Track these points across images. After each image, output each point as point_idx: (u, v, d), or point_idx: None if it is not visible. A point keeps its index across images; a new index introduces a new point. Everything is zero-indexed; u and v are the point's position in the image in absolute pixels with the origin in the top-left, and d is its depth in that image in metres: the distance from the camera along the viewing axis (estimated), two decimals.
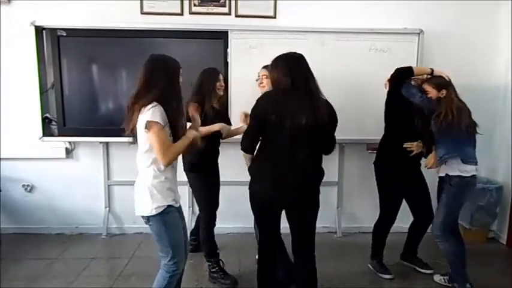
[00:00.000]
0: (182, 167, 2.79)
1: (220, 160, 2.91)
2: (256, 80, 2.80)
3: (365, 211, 3.66)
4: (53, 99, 3.38)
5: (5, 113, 3.43)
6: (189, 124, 2.12)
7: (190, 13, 3.41)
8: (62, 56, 3.30)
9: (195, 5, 3.40)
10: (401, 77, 2.72)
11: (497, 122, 3.57)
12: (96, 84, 3.41)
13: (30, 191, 3.61)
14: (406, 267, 3.02)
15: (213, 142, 2.71)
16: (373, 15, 3.44)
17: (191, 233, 3.28)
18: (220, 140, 2.80)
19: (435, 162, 2.64)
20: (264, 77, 2.68)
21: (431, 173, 2.78)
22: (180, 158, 2.14)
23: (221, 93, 2.78)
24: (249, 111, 2.14)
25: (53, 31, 3.26)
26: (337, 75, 3.35)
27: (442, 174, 2.64)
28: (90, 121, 3.38)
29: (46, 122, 3.38)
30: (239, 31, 3.29)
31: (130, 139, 1.99)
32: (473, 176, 2.57)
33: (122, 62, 3.37)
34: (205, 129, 2.50)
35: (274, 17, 3.44)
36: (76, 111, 3.38)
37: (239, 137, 2.24)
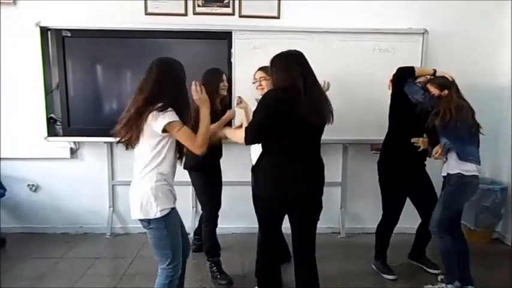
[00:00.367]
0: (183, 167, 2.81)
1: (224, 161, 2.92)
2: (253, 83, 2.77)
3: (369, 211, 3.65)
4: (58, 99, 3.40)
5: (10, 113, 3.45)
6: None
7: (194, 13, 3.42)
8: (67, 56, 3.31)
9: (199, 6, 3.41)
10: (403, 76, 2.73)
11: (502, 122, 3.55)
12: (100, 85, 3.42)
13: (35, 191, 3.63)
14: (410, 267, 3.01)
15: (215, 142, 2.72)
16: (377, 15, 3.43)
17: (195, 232, 3.30)
18: (222, 141, 2.80)
19: (442, 152, 2.61)
20: (262, 79, 2.66)
21: (437, 174, 2.76)
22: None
23: (224, 93, 2.79)
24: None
25: (57, 32, 3.28)
26: (341, 76, 3.33)
27: (444, 174, 2.64)
28: (95, 121, 3.39)
29: (51, 122, 3.40)
30: (243, 31, 3.30)
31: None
32: (474, 176, 2.54)
33: (126, 63, 3.38)
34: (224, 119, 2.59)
35: (278, 17, 3.44)
36: (80, 111, 3.40)
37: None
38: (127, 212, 3.72)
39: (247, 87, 2.91)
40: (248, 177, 2.38)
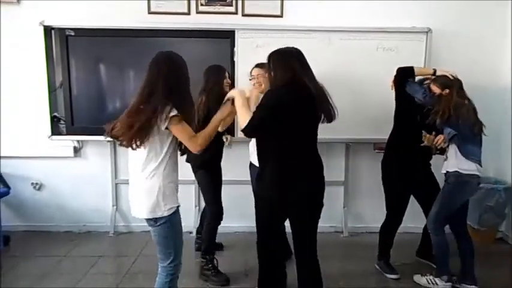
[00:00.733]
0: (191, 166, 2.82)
1: (225, 159, 2.93)
2: (250, 80, 2.76)
3: (371, 211, 3.65)
4: (62, 98, 3.41)
5: (14, 112, 3.47)
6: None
7: (197, 12, 3.42)
8: (70, 55, 3.33)
9: (202, 5, 3.41)
10: (403, 76, 2.75)
11: (505, 121, 3.53)
12: (104, 84, 3.43)
13: (39, 189, 3.65)
14: (413, 267, 3.00)
15: (218, 141, 2.73)
16: (381, 14, 3.42)
17: (197, 231, 3.30)
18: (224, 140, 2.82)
19: (445, 138, 2.58)
20: (260, 76, 2.65)
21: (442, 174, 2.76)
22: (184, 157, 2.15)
23: (227, 90, 2.79)
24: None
25: (61, 31, 3.29)
26: (344, 74, 3.34)
27: (444, 171, 2.65)
28: (98, 120, 3.34)
29: (54, 121, 3.41)
30: (246, 30, 3.30)
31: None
32: (473, 176, 2.53)
33: (130, 62, 3.39)
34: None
35: (281, 16, 3.43)
36: (84, 110, 3.41)
37: (243, 136, 2.12)
38: (130, 211, 3.75)
39: (250, 86, 2.91)
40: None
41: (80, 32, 3.28)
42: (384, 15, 3.42)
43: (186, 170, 2.89)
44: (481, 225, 3.40)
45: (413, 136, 2.70)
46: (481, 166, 2.57)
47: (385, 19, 3.40)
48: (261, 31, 3.29)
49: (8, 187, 3.36)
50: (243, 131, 2.01)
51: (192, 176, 2.87)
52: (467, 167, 2.53)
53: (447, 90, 2.54)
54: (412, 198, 2.92)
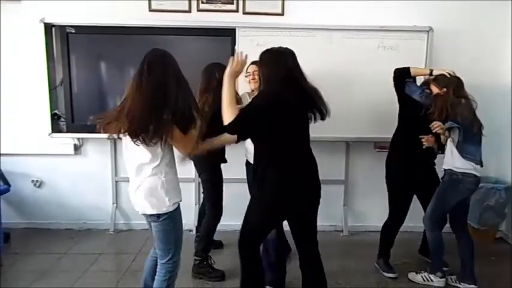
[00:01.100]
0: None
1: (228, 159, 2.94)
2: (246, 76, 2.76)
3: (372, 209, 3.65)
4: (62, 95, 3.41)
5: (14, 110, 3.47)
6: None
7: (198, 10, 3.41)
8: (71, 52, 3.32)
9: (202, 2, 3.40)
10: (400, 77, 2.77)
11: (506, 121, 3.52)
12: (104, 81, 3.43)
13: (39, 187, 3.66)
14: (411, 266, 2.99)
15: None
16: (382, 13, 3.41)
17: (197, 229, 3.30)
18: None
19: (444, 127, 2.55)
20: (256, 72, 2.65)
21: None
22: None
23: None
24: None
25: (62, 28, 3.29)
26: (345, 73, 3.33)
27: (442, 169, 2.66)
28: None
29: (55, 118, 3.41)
30: (247, 28, 3.29)
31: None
32: (467, 174, 2.53)
33: (130, 59, 3.36)
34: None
35: (282, 14, 3.42)
36: (84, 107, 3.40)
37: None
38: (130, 208, 3.74)
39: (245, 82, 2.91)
40: None
41: (81, 30, 3.28)
42: (385, 14, 3.41)
43: (186, 168, 2.89)
44: (481, 224, 3.40)
45: (416, 136, 2.69)
46: (481, 165, 2.56)
47: (386, 18, 3.39)
48: (261, 29, 3.29)
49: (8, 184, 3.36)
50: (228, 126, 1.93)
51: (192, 174, 2.87)
52: (461, 165, 2.53)
53: (445, 89, 2.54)
54: (413, 197, 2.91)
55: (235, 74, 2.01)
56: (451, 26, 3.44)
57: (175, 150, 1.96)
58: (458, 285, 2.71)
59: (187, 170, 2.85)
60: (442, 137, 2.64)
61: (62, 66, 3.35)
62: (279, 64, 2.01)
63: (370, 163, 3.59)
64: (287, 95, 1.96)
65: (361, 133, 3.43)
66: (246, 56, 2.04)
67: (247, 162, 2.79)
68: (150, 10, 3.39)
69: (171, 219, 1.91)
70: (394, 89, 2.84)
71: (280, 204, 2.02)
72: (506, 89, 3.51)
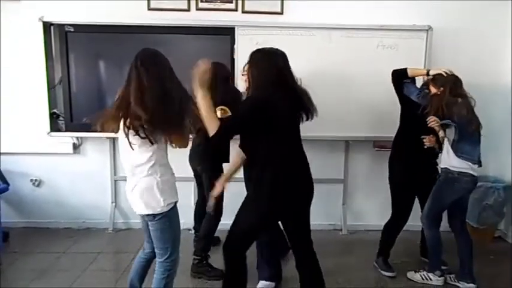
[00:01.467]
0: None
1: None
2: (243, 75, 2.75)
3: (371, 209, 3.65)
4: (61, 94, 3.40)
5: (13, 109, 3.46)
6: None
7: (197, 9, 3.41)
8: (70, 51, 3.32)
9: (201, 1, 3.40)
10: (398, 78, 2.78)
11: (505, 120, 3.53)
12: (103, 80, 3.43)
13: (38, 186, 3.65)
14: (410, 265, 3.00)
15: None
16: (381, 12, 3.41)
17: (195, 229, 3.29)
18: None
19: (439, 123, 2.55)
20: None
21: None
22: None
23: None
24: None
25: (60, 27, 3.28)
26: (345, 72, 3.33)
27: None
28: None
29: (54, 117, 3.41)
30: (246, 27, 3.28)
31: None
32: (464, 174, 2.53)
33: (129, 58, 3.30)
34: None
35: (281, 13, 3.42)
36: (83, 106, 3.40)
37: None
38: (129, 208, 3.71)
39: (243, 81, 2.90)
40: None
41: (80, 28, 3.27)
42: (384, 12, 3.41)
43: (185, 167, 2.89)
44: (480, 223, 3.41)
45: (417, 136, 2.69)
46: (479, 165, 2.56)
47: (386, 17, 3.39)
48: (261, 28, 3.28)
49: (7, 183, 3.35)
50: (212, 138, 1.89)
51: (190, 173, 2.86)
52: (458, 164, 2.53)
53: (442, 89, 2.54)
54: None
55: (204, 83, 1.90)
56: (451, 25, 3.44)
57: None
58: (457, 284, 2.72)
59: (187, 169, 2.84)
60: (440, 136, 2.65)
61: (60, 65, 3.34)
62: (269, 65, 1.98)
63: (370, 162, 3.59)
64: (277, 98, 1.93)
65: (360, 132, 3.43)
66: (211, 63, 1.95)
67: None
68: (149, 9, 3.38)
69: (167, 218, 1.92)
70: (393, 89, 2.84)
71: (276, 204, 2.01)
72: (506, 88, 3.51)
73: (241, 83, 3.26)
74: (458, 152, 2.51)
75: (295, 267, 2.19)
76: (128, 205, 3.88)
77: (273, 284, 2.65)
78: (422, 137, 2.66)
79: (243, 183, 2.85)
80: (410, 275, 2.82)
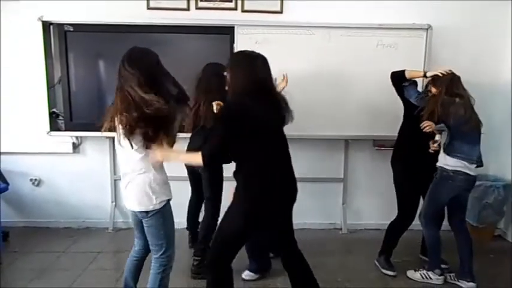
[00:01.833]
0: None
1: None
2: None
3: (371, 207, 3.65)
4: (60, 94, 3.40)
5: (12, 108, 3.46)
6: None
7: (197, 8, 3.40)
8: (69, 51, 3.31)
9: (201, 0, 3.39)
10: (397, 81, 2.78)
11: (505, 119, 3.53)
12: (102, 79, 3.42)
13: (37, 185, 3.65)
14: (411, 264, 3.00)
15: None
16: (381, 11, 3.41)
17: (191, 231, 3.28)
18: None
19: (431, 125, 2.57)
20: None
21: None
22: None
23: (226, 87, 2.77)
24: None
25: (60, 26, 3.28)
26: (344, 71, 3.33)
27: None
28: (97, 116, 3.36)
29: (53, 116, 3.40)
30: (245, 26, 3.28)
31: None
32: (459, 172, 2.53)
33: None
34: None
35: (281, 12, 3.42)
36: (83, 106, 3.40)
37: None
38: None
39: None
40: None
41: (79, 28, 3.27)
42: (384, 11, 3.41)
43: (183, 167, 2.89)
44: (480, 222, 3.41)
45: (418, 137, 2.69)
46: (480, 165, 2.57)
47: (385, 16, 3.39)
48: (260, 27, 3.28)
49: (7, 183, 3.35)
50: (204, 162, 1.88)
51: (185, 173, 2.86)
52: (452, 163, 2.53)
53: (439, 89, 2.55)
54: None
55: (167, 158, 1.93)
56: (451, 25, 3.43)
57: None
58: (457, 282, 2.72)
59: (183, 168, 2.84)
60: (437, 139, 2.66)
61: (60, 65, 3.34)
62: (249, 69, 1.93)
63: (369, 161, 3.59)
64: (255, 104, 1.88)
65: (360, 131, 3.43)
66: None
67: None
68: (149, 8, 3.38)
69: (160, 214, 1.94)
70: (393, 88, 2.84)
71: (263, 210, 1.95)
72: (506, 87, 3.51)
73: None
74: (454, 152, 2.52)
75: (283, 266, 2.17)
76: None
77: (257, 275, 2.72)
78: (431, 141, 2.65)
79: None
80: (410, 273, 2.83)
